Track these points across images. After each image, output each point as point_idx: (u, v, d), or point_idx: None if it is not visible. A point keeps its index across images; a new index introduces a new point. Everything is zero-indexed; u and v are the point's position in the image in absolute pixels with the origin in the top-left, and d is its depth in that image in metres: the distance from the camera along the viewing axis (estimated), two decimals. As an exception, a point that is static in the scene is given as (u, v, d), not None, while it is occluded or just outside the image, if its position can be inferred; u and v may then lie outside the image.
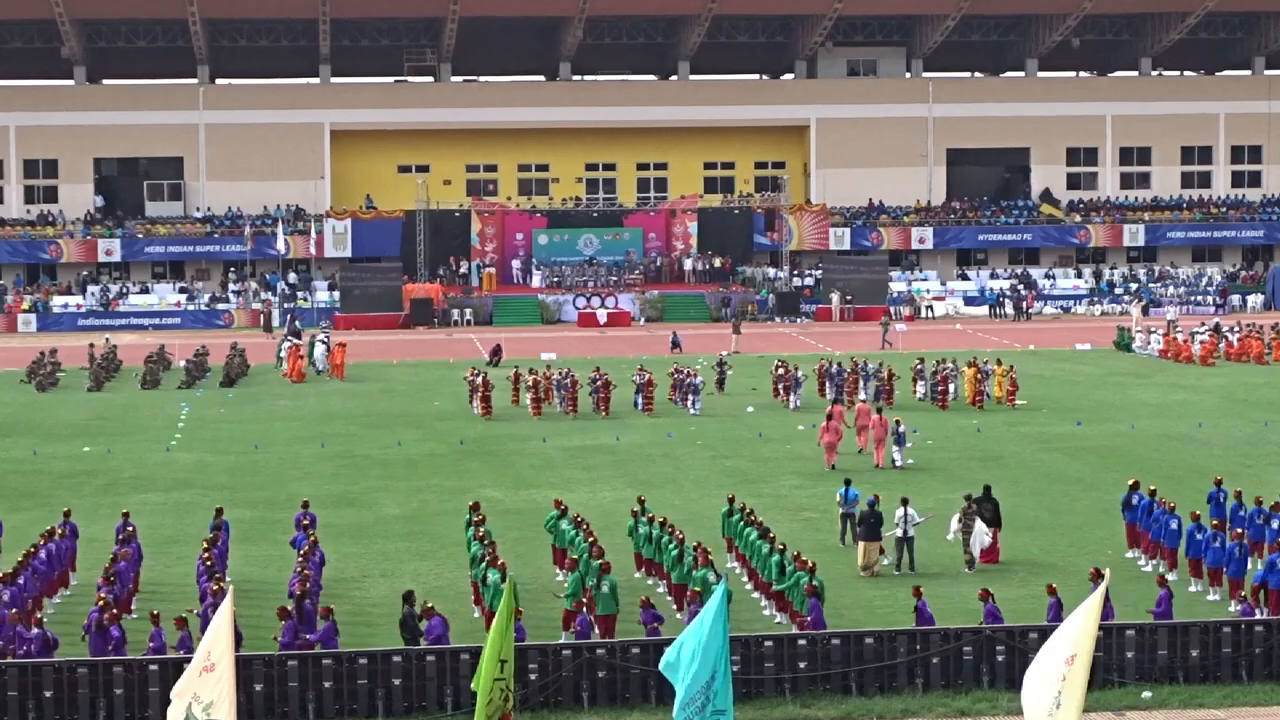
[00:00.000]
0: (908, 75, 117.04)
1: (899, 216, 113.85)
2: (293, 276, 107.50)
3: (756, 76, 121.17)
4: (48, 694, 26.90)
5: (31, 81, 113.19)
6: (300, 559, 32.59)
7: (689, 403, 62.50)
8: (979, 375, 64.13)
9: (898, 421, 51.25)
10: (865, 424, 51.49)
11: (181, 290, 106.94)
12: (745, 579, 34.84)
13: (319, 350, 77.85)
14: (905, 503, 36.66)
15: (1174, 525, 35.17)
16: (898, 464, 49.72)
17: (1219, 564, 33.27)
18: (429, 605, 28.79)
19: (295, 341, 78.85)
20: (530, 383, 63.00)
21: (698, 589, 30.37)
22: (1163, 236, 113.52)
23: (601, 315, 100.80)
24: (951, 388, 63.86)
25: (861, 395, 60.40)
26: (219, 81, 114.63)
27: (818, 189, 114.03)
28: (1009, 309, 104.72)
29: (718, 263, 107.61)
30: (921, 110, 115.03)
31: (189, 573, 34.74)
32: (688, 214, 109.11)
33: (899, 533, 36.35)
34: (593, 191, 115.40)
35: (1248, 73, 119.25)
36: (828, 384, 64.14)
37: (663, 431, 57.56)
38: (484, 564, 31.26)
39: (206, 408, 66.02)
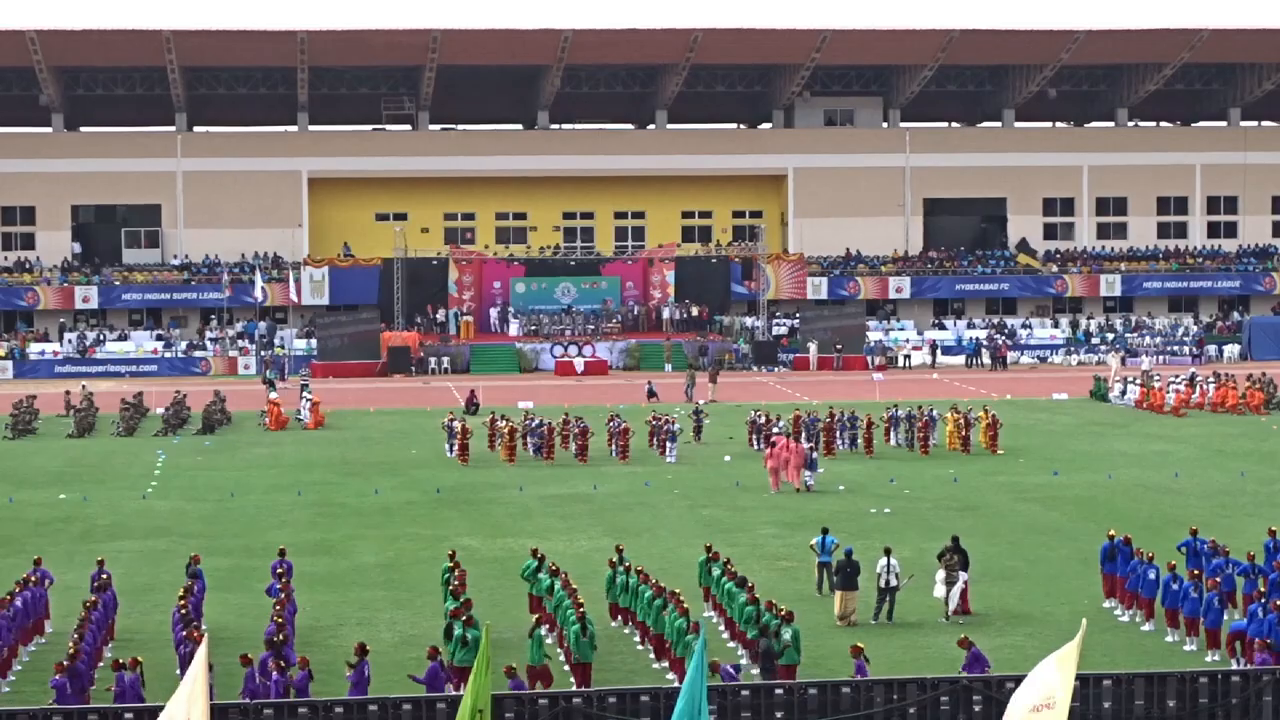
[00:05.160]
0: (885, 125, 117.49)
1: (876, 266, 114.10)
2: (263, 324, 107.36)
3: (734, 126, 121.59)
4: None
5: (9, 129, 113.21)
6: (277, 607, 32.46)
7: (666, 450, 62.56)
8: (965, 422, 64.46)
9: (811, 448, 56.41)
10: (787, 456, 55.30)
11: (158, 337, 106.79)
12: (722, 628, 34.78)
13: (303, 402, 77.65)
14: (888, 553, 36.62)
15: (1151, 575, 35.20)
16: (809, 486, 54.62)
17: (1195, 614, 33.29)
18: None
19: (274, 396, 78.63)
20: (506, 431, 63.04)
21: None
22: (1139, 287, 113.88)
23: (579, 364, 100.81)
24: (934, 435, 64.25)
25: (775, 428, 62.06)
26: (197, 129, 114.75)
27: (795, 238, 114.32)
28: (985, 358, 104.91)
29: (695, 312, 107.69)
30: (899, 160, 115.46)
31: (165, 621, 34.61)
32: (665, 263, 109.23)
33: (882, 583, 36.30)
34: (570, 240, 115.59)
35: (1224, 124, 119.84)
36: (804, 433, 64.08)
37: (640, 480, 57.54)
38: (459, 620, 30.98)
39: (183, 455, 65.84)
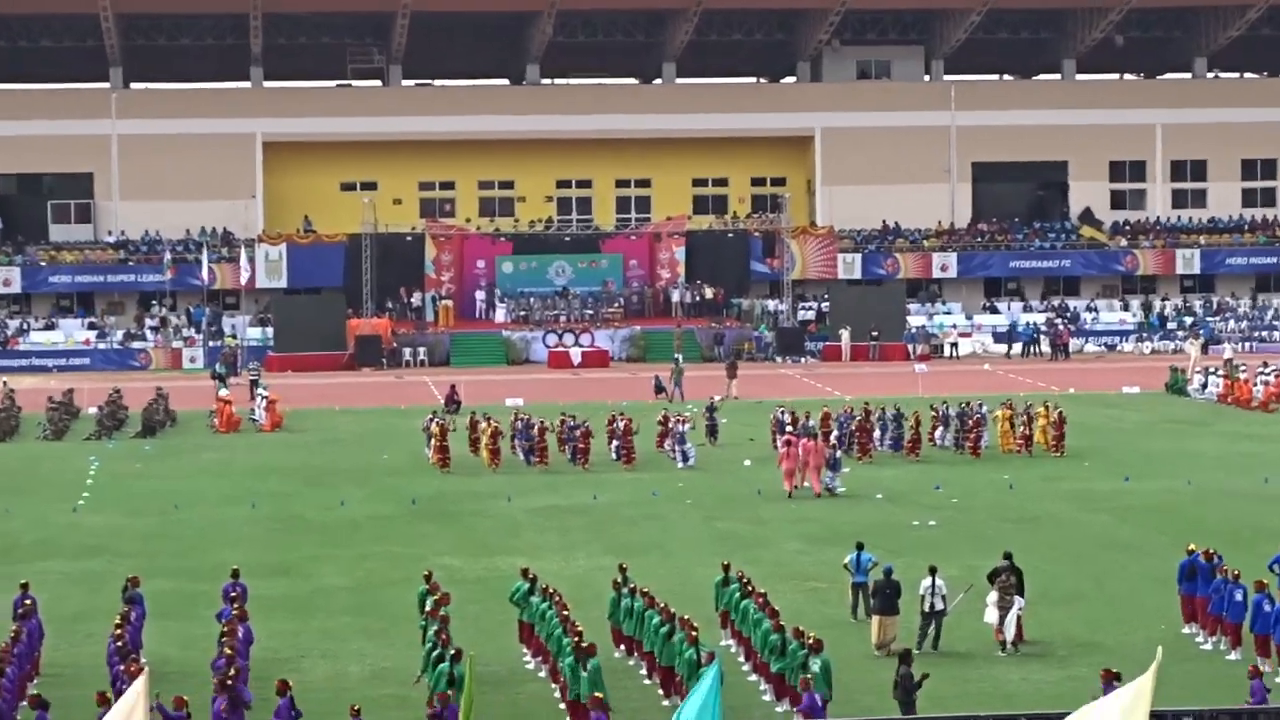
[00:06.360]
0: (926, 78, 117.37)
1: (917, 241, 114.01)
2: (210, 310, 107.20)
3: (753, 80, 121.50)
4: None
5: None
6: (224, 636, 32.35)
7: (682, 455, 62.31)
8: (1027, 418, 64.35)
9: (833, 447, 57.53)
10: (805, 457, 56.27)
11: (91, 326, 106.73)
12: (742, 659, 34.69)
13: (258, 400, 77.57)
14: (934, 572, 36.49)
15: (1239, 596, 35.07)
16: (834, 490, 55.51)
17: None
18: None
19: (224, 393, 78.52)
20: (489, 432, 62.87)
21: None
22: (1221, 263, 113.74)
23: (575, 354, 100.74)
24: (985, 435, 64.28)
25: (790, 428, 61.84)
26: (134, 86, 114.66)
27: (824, 209, 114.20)
28: (1045, 347, 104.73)
29: (709, 294, 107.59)
30: (943, 118, 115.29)
31: (99, 653, 34.51)
32: (674, 238, 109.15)
33: (926, 606, 36.18)
34: (565, 212, 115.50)
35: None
36: (834, 432, 63.95)
37: (646, 488, 57.48)
38: (437, 652, 30.85)
39: (120, 462, 65.81)
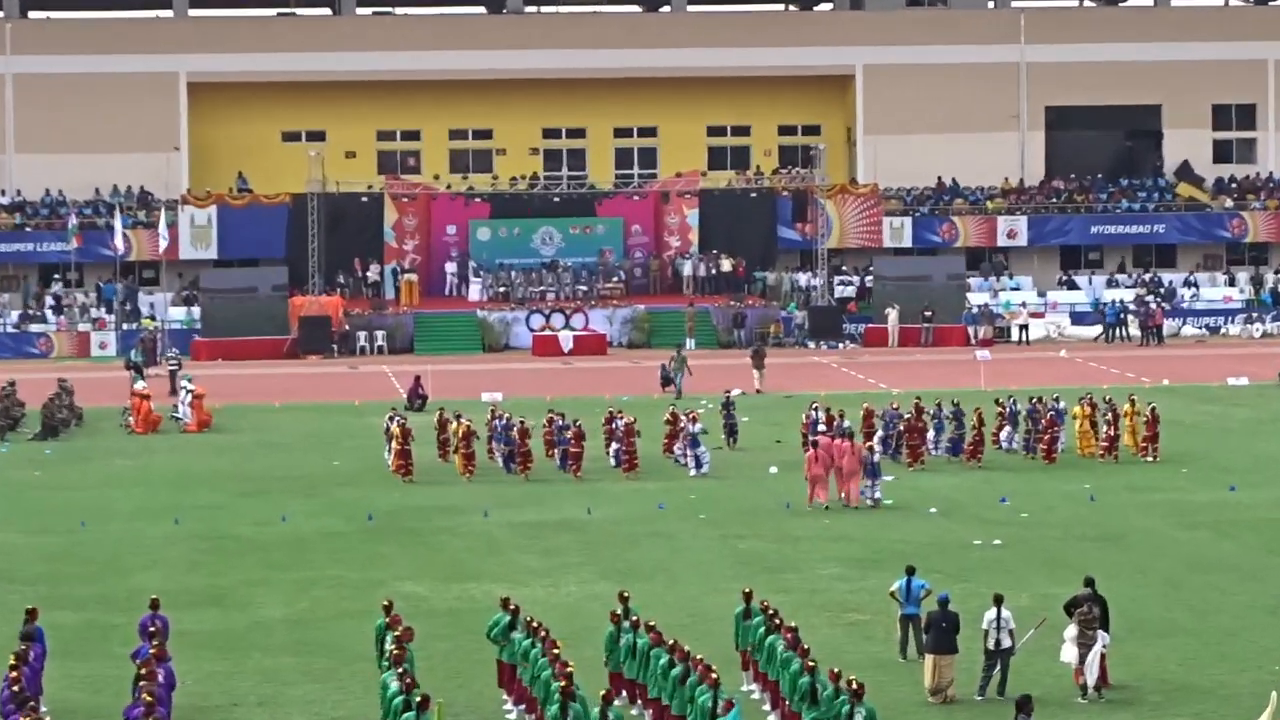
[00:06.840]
0: (991, 5, 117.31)
1: (979, 202, 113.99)
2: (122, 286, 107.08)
3: (780, 7, 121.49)
4: None
5: None
6: (141, 679, 32.32)
7: (695, 460, 62.32)
8: (1113, 416, 64.27)
9: (870, 449, 57.73)
10: (838, 462, 56.80)
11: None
12: (767, 707, 34.73)
13: (182, 395, 77.63)
14: (999, 602, 36.49)
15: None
16: (876, 502, 56.30)
17: None
18: None
19: (140, 386, 78.57)
20: (460, 433, 62.84)
21: None
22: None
23: (566, 339, 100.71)
24: (1061, 436, 64.26)
25: (821, 427, 62.27)
26: (33, 15, 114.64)
27: (866, 163, 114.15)
28: (1133, 329, 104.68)
29: (727, 266, 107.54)
30: (1010, 54, 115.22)
31: (-11, 700, 34.59)
32: (685, 199, 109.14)
33: (990, 643, 36.18)
34: (553, 168, 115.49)
35: None
36: (879, 432, 63.97)
37: (651, 500, 57.54)
38: (400, 698, 30.92)
39: (15, 469, 65.94)
